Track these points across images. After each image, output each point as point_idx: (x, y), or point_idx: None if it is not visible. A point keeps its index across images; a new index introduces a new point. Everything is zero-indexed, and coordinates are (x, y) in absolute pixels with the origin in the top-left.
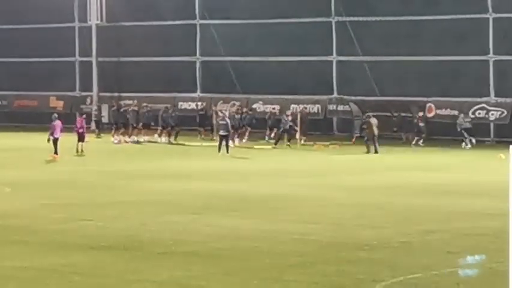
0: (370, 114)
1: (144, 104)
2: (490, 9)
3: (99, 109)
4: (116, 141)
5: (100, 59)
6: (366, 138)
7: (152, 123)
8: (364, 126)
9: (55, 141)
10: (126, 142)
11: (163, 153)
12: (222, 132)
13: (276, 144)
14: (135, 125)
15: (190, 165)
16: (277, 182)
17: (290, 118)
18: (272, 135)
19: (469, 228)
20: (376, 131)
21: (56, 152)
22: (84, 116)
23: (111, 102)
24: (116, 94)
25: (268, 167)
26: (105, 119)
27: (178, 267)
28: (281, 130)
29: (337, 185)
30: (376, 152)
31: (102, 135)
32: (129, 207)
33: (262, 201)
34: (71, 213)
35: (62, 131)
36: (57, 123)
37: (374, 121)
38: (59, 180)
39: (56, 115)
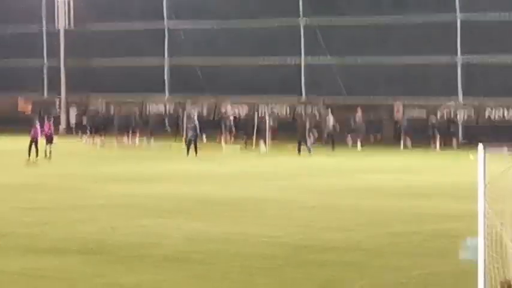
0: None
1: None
2: (458, 11)
3: (80, 113)
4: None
5: (68, 62)
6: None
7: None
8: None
9: (36, 143)
10: (96, 145)
11: (133, 157)
12: (190, 135)
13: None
14: (117, 129)
15: (159, 168)
16: (246, 185)
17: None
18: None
19: (438, 230)
20: (307, 133)
21: (29, 155)
22: (52, 118)
23: (80, 105)
24: (84, 97)
25: (237, 169)
26: (83, 122)
27: (148, 271)
28: (326, 133)
29: (307, 187)
30: (299, 152)
31: (81, 139)
32: (98, 211)
33: (231, 204)
34: (39, 216)
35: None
36: (38, 127)
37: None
38: (28, 183)
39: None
